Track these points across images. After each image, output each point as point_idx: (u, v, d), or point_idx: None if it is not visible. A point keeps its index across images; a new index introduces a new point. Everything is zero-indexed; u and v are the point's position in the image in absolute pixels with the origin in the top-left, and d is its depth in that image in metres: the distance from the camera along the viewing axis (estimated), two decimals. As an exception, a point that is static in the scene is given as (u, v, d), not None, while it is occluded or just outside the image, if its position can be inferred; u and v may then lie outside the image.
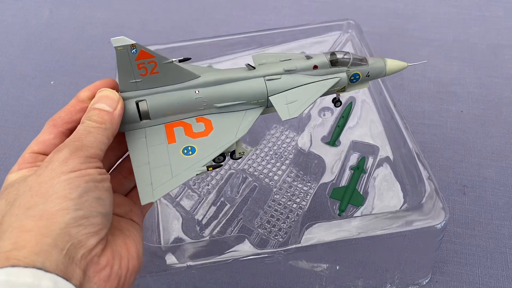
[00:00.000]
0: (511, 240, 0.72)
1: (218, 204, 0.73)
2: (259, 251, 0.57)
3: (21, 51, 1.12)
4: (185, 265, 0.56)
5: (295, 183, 0.75)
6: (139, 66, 0.49)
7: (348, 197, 0.70)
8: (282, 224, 0.70)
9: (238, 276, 0.64)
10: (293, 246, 0.58)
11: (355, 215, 0.69)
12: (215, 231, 0.70)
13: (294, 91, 0.52)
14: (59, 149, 0.42)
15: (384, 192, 0.71)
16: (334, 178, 0.73)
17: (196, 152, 0.48)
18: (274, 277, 0.63)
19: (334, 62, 0.54)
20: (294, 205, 0.72)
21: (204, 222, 0.71)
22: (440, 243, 0.62)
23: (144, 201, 0.45)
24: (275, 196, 0.73)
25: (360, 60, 0.55)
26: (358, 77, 0.55)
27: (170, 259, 0.57)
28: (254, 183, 0.75)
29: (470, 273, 0.69)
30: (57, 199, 0.38)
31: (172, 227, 0.70)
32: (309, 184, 0.74)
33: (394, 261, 0.64)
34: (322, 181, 0.73)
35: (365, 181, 0.73)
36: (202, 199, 0.73)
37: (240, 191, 0.74)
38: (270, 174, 0.76)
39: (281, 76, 0.52)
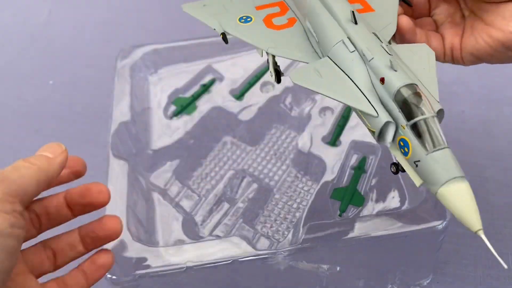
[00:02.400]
0: (513, 240, 0.72)
1: (218, 204, 0.72)
2: (259, 252, 0.57)
3: (20, 51, 1.12)
4: (184, 265, 0.56)
5: (295, 183, 0.74)
6: None
7: (348, 197, 0.70)
8: (282, 225, 0.69)
9: (238, 276, 0.64)
10: (293, 246, 0.57)
11: (355, 215, 0.69)
12: (215, 231, 0.69)
13: (334, 69, 0.41)
14: None
15: (385, 192, 0.71)
16: (334, 178, 0.73)
17: (249, 23, 0.48)
18: (274, 278, 0.62)
19: (400, 100, 0.37)
20: (294, 205, 0.71)
21: (203, 222, 0.70)
22: (441, 243, 0.62)
23: None
24: (275, 196, 0.73)
25: (434, 140, 0.37)
26: (406, 150, 0.36)
27: (170, 259, 0.56)
28: (254, 183, 0.74)
29: (471, 274, 0.68)
30: None
31: (171, 227, 0.69)
32: (309, 184, 0.74)
33: (395, 261, 0.64)
34: (322, 181, 0.73)
35: (365, 181, 0.73)
36: (202, 199, 0.73)
37: (240, 191, 0.74)
38: (270, 174, 0.76)
39: (354, 51, 0.41)
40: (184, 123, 0.81)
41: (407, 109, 0.37)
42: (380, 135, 0.38)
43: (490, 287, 0.67)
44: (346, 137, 0.78)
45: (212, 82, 0.88)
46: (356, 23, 0.42)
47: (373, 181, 0.73)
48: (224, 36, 0.47)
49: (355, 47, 0.41)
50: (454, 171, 0.36)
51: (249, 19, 0.48)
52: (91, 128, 0.92)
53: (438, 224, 0.57)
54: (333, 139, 0.77)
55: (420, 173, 0.36)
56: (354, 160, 0.76)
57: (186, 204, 0.73)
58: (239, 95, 0.84)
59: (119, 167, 0.67)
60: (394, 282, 0.66)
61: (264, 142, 0.81)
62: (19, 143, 0.92)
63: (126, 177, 0.66)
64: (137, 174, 0.71)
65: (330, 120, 0.80)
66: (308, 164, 0.76)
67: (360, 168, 0.73)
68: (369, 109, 0.37)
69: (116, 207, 0.62)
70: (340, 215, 0.69)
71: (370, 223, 0.58)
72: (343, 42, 0.42)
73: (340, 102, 0.40)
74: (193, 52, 0.89)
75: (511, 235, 0.72)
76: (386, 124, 0.37)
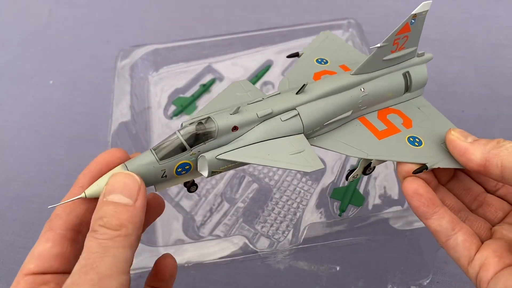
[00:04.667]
0: (513, 240, 0.72)
1: (218, 204, 0.72)
2: (259, 251, 0.57)
3: (20, 51, 1.12)
4: (184, 265, 0.56)
5: (295, 183, 0.74)
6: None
7: (348, 197, 0.70)
8: (282, 224, 0.69)
9: (238, 276, 0.64)
10: (293, 246, 0.57)
11: (355, 215, 0.69)
12: (215, 231, 0.69)
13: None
14: None
15: (385, 192, 0.71)
16: (334, 178, 0.73)
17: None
18: (274, 277, 0.62)
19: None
20: (294, 205, 0.71)
21: (204, 222, 0.70)
22: (441, 243, 0.62)
23: None
24: (275, 196, 0.73)
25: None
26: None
27: (170, 259, 0.56)
28: (254, 183, 0.74)
29: (471, 274, 0.68)
30: None
31: (171, 227, 0.69)
32: (309, 184, 0.74)
33: (395, 261, 0.64)
34: (322, 181, 0.73)
35: (365, 181, 0.73)
36: (202, 199, 0.73)
37: (240, 191, 0.74)
38: (270, 174, 0.76)
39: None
40: (184, 123, 0.81)
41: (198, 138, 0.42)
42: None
43: (490, 287, 0.67)
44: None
45: (212, 82, 0.88)
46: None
47: (373, 181, 0.73)
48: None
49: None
50: None
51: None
52: (91, 128, 0.92)
53: (438, 224, 0.57)
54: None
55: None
56: (354, 160, 0.76)
57: (186, 204, 0.73)
58: (239, 95, 0.84)
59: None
60: (394, 282, 0.66)
61: (264, 142, 0.81)
62: (19, 143, 0.92)
63: (126, 177, 0.66)
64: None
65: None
66: (308, 164, 0.76)
67: (360, 168, 0.73)
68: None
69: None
70: (340, 215, 0.69)
71: (370, 223, 0.58)
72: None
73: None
74: (193, 52, 0.89)
75: (511, 235, 0.72)
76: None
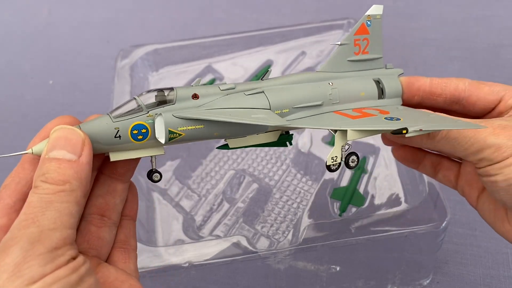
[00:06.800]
0: (513, 240, 0.72)
1: (218, 204, 0.72)
2: (259, 252, 0.57)
3: (20, 51, 1.12)
4: (184, 265, 0.56)
5: (295, 183, 0.74)
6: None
7: (348, 197, 0.70)
8: (282, 224, 0.69)
9: (238, 276, 0.64)
10: (293, 246, 0.57)
11: (355, 215, 0.68)
12: (215, 231, 0.69)
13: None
14: (5, 247, 0.30)
15: (385, 192, 0.71)
16: (334, 178, 0.73)
17: None
18: (274, 277, 0.62)
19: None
20: (294, 205, 0.71)
21: (204, 222, 0.70)
22: (441, 243, 0.62)
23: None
24: (275, 196, 0.73)
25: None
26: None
27: (170, 259, 0.56)
28: (254, 183, 0.74)
29: (471, 274, 0.68)
30: None
31: (171, 227, 0.69)
32: (309, 184, 0.74)
33: (395, 261, 0.64)
34: (322, 181, 0.73)
35: (366, 181, 0.73)
36: (202, 199, 0.73)
37: (240, 191, 0.74)
38: (270, 174, 0.76)
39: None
40: (184, 123, 0.81)
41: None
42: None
43: (490, 287, 0.67)
44: (346, 137, 0.77)
45: (212, 82, 0.88)
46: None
47: (373, 181, 0.72)
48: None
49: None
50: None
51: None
52: (91, 128, 0.92)
53: (438, 224, 0.57)
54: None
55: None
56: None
57: (186, 204, 0.73)
58: (239, 95, 0.84)
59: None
60: (394, 282, 0.66)
61: (264, 142, 0.81)
62: (19, 143, 0.92)
63: (126, 177, 0.66)
64: (137, 174, 0.71)
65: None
66: (308, 164, 0.76)
67: (360, 168, 0.73)
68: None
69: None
70: (340, 215, 0.69)
71: (370, 223, 0.58)
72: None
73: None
74: (193, 52, 0.89)
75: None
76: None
